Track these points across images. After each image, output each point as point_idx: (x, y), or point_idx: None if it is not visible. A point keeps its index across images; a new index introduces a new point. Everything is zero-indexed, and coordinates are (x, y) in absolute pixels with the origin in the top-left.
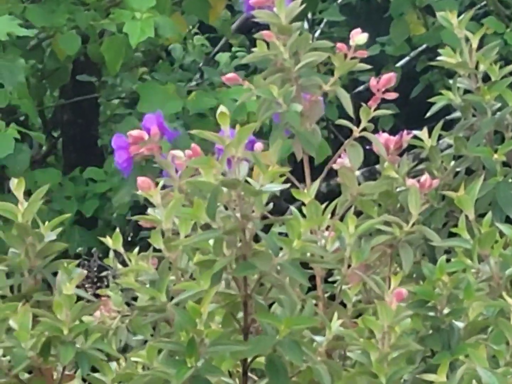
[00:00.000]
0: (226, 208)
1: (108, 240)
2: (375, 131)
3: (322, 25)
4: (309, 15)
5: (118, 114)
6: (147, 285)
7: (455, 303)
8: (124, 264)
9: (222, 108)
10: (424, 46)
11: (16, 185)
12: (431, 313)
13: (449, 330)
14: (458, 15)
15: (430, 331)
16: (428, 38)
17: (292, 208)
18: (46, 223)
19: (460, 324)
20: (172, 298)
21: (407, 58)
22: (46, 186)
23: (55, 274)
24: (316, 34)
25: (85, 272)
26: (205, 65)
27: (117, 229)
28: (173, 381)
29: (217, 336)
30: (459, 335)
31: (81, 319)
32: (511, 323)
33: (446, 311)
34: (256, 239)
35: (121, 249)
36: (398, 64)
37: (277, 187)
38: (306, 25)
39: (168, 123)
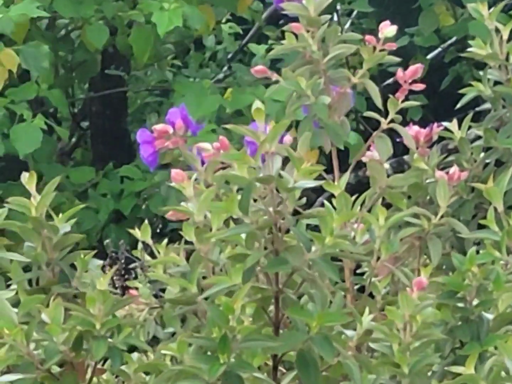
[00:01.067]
0: (255, 201)
1: (136, 232)
2: (405, 122)
3: (352, 17)
4: (338, 7)
5: (148, 105)
6: (177, 277)
7: (485, 295)
8: (152, 256)
9: (257, 104)
10: (454, 38)
11: (28, 178)
12: (460, 304)
13: (478, 321)
14: (488, 7)
15: (459, 322)
16: (457, 30)
17: (325, 201)
18: (60, 215)
19: (489, 316)
20: (202, 290)
21: (437, 50)
22: (57, 178)
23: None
24: (346, 26)
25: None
26: (236, 55)
27: (146, 221)
28: (206, 377)
29: (249, 332)
30: (488, 327)
31: (114, 313)
32: None
33: (475, 302)
34: (287, 233)
35: (149, 241)
36: (429, 56)
37: (310, 183)
38: (335, 17)
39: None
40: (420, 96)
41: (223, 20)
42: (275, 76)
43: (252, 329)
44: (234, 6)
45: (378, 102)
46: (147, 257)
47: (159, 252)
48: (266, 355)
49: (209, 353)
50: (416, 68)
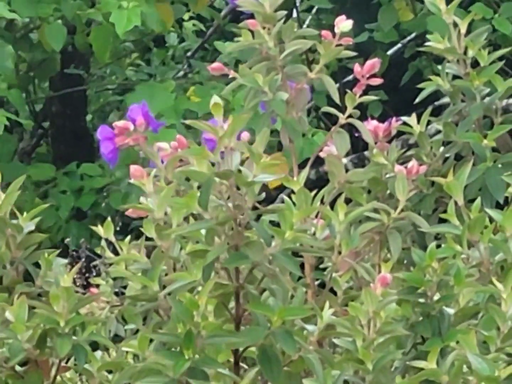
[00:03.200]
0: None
1: (99, 229)
2: (365, 118)
3: (312, 13)
4: (298, 3)
5: (109, 104)
6: (139, 274)
7: (445, 290)
8: (116, 253)
9: (215, 99)
10: (413, 33)
11: None
12: (421, 300)
13: (439, 316)
14: (446, 2)
15: (421, 318)
16: (416, 25)
17: (285, 197)
18: (24, 214)
19: (450, 311)
20: (164, 287)
21: (397, 46)
22: (22, 177)
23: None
24: (307, 22)
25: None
26: (196, 53)
27: (109, 218)
28: (170, 373)
29: (213, 328)
30: (449, 322)
31: (78, 311)
32: (501, 309)
33: (436, 297)
34: (247, 228)
35: (112, 238)
36: (388, 52)
37: (269, 177)
38: (294, 13)
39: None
40: (380, 92)
41: (187, 18)
42: (232, 73)
43: (216, 325)
44: (194, 3)
45: (336, 97)
46: (110, 254)
47: (122, 249)
48: (230, 350)
49: (173, 349)
50: (373, 63)
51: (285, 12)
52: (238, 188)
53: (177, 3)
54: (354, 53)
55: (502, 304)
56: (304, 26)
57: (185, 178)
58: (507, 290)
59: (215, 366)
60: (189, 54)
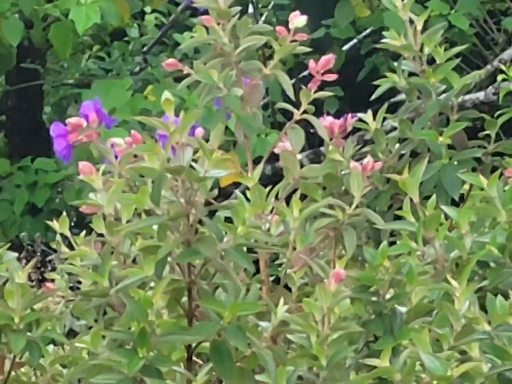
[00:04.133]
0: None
1: (54, 224)
2: (321, 115)
3: (269, 8)
4: None
5: (66, 98)
6: (90, 270)
7: (398, 288)
8: (71, 248)
9: (166, 95)
10: (369, 29)
11: None
12: (374, 298)
13: (391, 314)
14: None
15: (373, 316)
16: (373, 21)
17: (237, 192)
18: None
19: (402, 309)
20: (117, 283)
21: (353, 41)
22: None
23: None
24: (263, 18)
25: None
26: (152, 47)
27: (64, 213)
28: (124, 370)
29: (168, 326)
30: (402, 320)
31: (32, 307)
32: (455, 306)
33: (388, 296)
34: (201, 223)
35: (68, 233)
36: (344, 47)
37: (221, 172)
38: (251, 9)
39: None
40: (336, 88)
41: (149, 11)
42: (186, 69)
43: (170, 323)
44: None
45: (291, 93)
46: (65, 249)
47: (77, 244)
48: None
49: (127, 346)
50: (328, 59)
51: (239, 8)
52: (191, 184)
53: None
54: (309, 49)
55: (456, 302)
56: (260, 22)
57: (139, 174)
58: (461, 288)
59: (169, 364)
60: (145, 49)
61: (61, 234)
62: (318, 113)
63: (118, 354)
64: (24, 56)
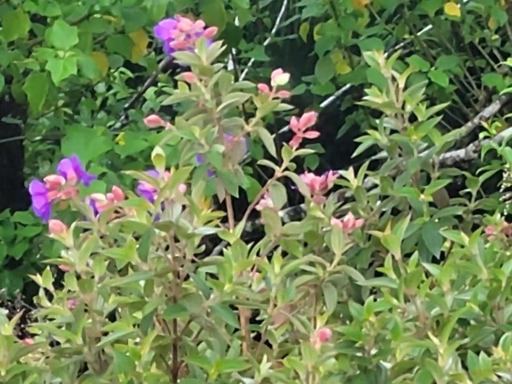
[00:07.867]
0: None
1: (38, 278)
2: (302, 171)
3: (249, 65)
4: (235, 55)
5: (41, 153)
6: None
7: (383, 344)
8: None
9: (157, 150)
10: (348, 85)
11: None
12: (359, 354)
13: (376, 370)
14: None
15: (358, 372)
16: (354, 77)
17: (224, 250)
18: None
19: (387, 365)
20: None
21: (332, 98)
22: None
23: None
24: (243, 75)
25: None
26: (132, 103)
27: (48, 267)
28: None
29: (155, 379)
30: (386, 376)
31: (18, 360)
32: (438, 363)
33: (373, 351)
34: (185, 279)
35: (51, 288)
36: (323, 104)
37: (210, 230)
38: (231, 65)
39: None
40: (317, 145)
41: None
42: (168, 126)
43: (158, 376)
44: (129, 53)
45: (272, 150)
46: (48, 304)
47: (57, 300)
48: None
49: None
50: (309, 116)
51: (222, 65)
52: (176, 240)
53: (111, 54)
54: (290, 107)
55: (439, 359)
56: (241, 78)
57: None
58: (443, 345)
59: None
60: (126, 105)
61: (44, 288)
62: (298, 170)
63: None
64: (6, 111)
